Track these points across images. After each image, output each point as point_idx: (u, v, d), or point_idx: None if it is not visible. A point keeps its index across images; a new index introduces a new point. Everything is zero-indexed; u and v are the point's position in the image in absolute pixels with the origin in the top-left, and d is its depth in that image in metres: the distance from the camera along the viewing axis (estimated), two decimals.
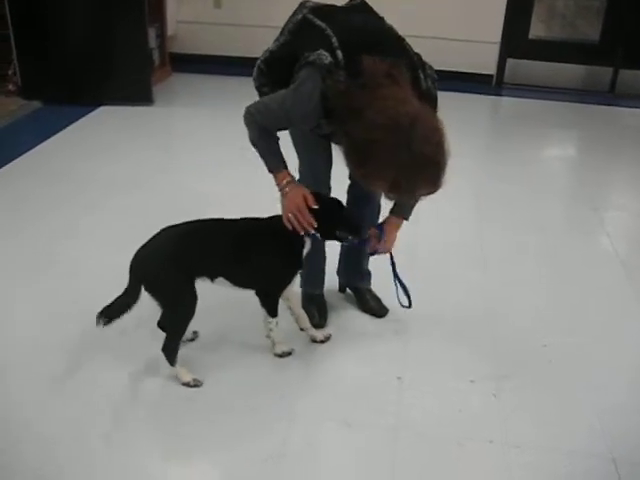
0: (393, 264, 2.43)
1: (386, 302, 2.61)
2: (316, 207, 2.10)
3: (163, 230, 2.16)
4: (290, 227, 2.11)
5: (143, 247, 2.14)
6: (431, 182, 1.86)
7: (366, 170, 1.86)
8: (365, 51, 1.90)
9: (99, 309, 2.08)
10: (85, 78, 4.76)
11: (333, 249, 2.51)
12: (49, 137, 4.21)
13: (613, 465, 1.94)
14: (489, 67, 5.77)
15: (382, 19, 2.12)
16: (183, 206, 3.37)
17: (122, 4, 4.63)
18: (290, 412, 2.10)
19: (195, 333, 2.37)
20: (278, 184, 2.13)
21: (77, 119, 4.54)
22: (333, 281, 2.66)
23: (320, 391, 2.20)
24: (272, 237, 2.18)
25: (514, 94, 5.70)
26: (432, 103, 2.03)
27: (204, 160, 3.99)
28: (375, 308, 2.60)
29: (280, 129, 2.12)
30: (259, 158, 2.12)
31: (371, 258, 2.56)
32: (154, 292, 2.10)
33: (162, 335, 2.21)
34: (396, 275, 2.45)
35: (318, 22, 2.02)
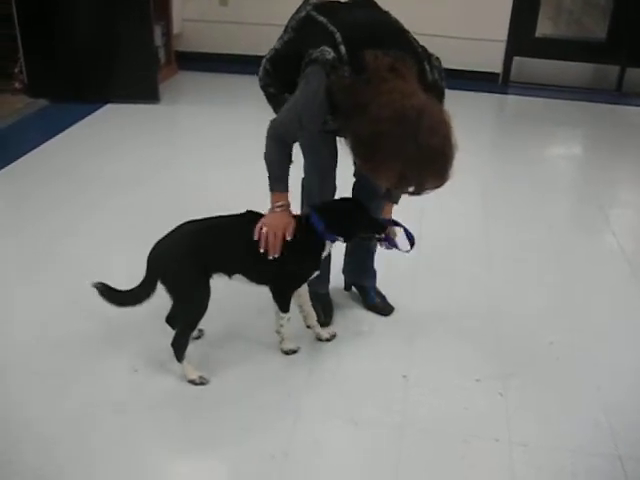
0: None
1: (391, 300, 2.61)
2: (287, 239, 2.09)
3: (182, 224, 2.16)
4: (256, 237, 2.08)
5: (161, 240, 2.14)
6: (438, 174, 1.86)
7: (374, 164, 1.86)
8: (368, 46, 1.90)
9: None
10: (91, 76, 4.78)
11: (338, 248, 2.50)
12: (55, 135, 4.22)
13: (619, 463, 1.93)
14: (495, 65, 5.76)
15: (387, 13, 2.11)
16: (188, 204, 3.37)
17: (128, 2, 4.65)
18: (296, 410, 2.10)
19: (201, 331, 2.37)
20: (273, 202, 2.12)
21: (83, 117, 4.55)
22: (338, 279, 2.66)
23: (326, 389, 2.20)
24: (292, 236, 2.17)
25: (520, 92, 5.69)
26: (439, 95, 2.03)
27: (209, 158, 3.99)
28: (380, 306, 2.60)
29: (296, 139, 2.11)
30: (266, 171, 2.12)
31: (375, 255, 2.57)
32: (169, 286, 2.10)
33: (166, 332, 2.21)
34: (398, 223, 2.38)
35: (321, 18, 2.02)
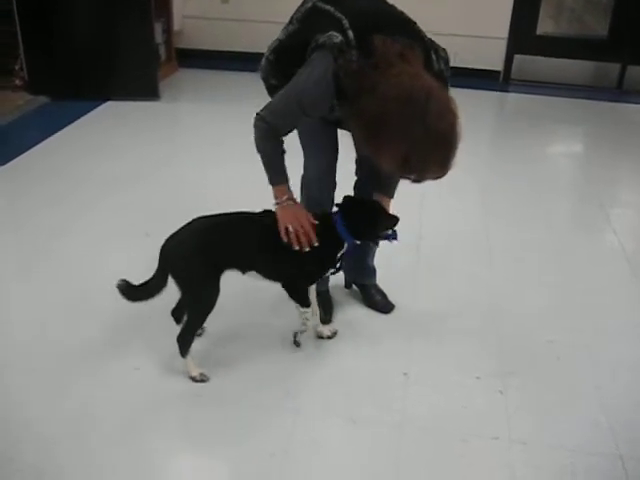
0: None
1: (392, 298, 2.61)
2: (316, 222, 2.09)
3: (195, 220, 2.15)
4: (285, 239, 2.08)
5: (174, 235, 2.13)
6: (441, 162, 1.84)
7: (378, 143, 1.84)
8: (376, 32, 1.89)
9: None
10: (91, 73, 4.77)
11: None
12: (55, 132, 4.22)
13: (619, 462, 1.93)
14: (496, 63, 5.76)
15: (392, 5, 2.11)
16: (188, 202, 3.38)
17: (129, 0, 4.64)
18: (296, 408, 2.10)
19: (203, 328, 2.37)
20: (277, 197, 2.10)
21: (83, 114, 4.55)
22: (339, 277, 2.65)
23: (326, 387, 2.20)
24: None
25: (521, 90, 5.69)
26: (444, 85, 2.01)
27: (209, 155, 3.99)
28: (381, 304, 2.60)
29: (291, 128, 2.08)
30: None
31: (375, 253, 2.57)
32: (179, 281, 2.11)
33: (167, 330, 2.21)
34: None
35: (327, 7, 2.01)
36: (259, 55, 2.24)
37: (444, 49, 2.09)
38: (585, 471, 1.92)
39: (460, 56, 5.46)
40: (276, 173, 2.10)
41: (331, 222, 2.17)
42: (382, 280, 2.64)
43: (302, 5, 2.13)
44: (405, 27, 2.03)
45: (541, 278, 2.90)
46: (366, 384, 2.23)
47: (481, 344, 2.44)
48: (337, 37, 1.91)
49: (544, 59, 5.76)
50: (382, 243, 2.40)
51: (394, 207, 2.34)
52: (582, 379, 2.29)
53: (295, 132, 2.25)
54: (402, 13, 2.08)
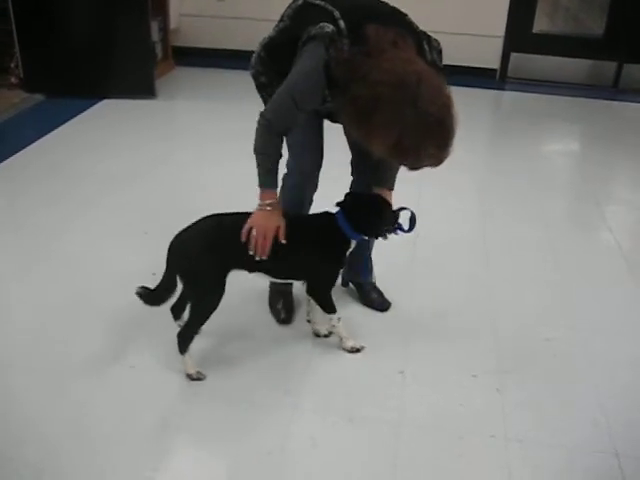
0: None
1: (388, 296, 2.61)
2: (284, 242, 2.07)
3: (204, 218, 2.15)
4: (244, 238, 2.06)
5: (182, 232, 2.12)
6: (437, 145, 1.83)
7: (369, 128, 1.83)
8: (368, 21, 1.90)
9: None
10: (88, 71, 4.75)
11: None
12: (51, 130, 4.21)
13: (616, 460, 1.94)
14: (493, 61, 5.75)
15: (384, 1, 2.12)
16: (185, 200, 3.37)
17: None
18: (293, 406, 2.10)
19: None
20: (261, 199, 2.09)
21: (79, 112, 4.54)
22: None
23: (322, 385, 2.20)
24: (318, 235, 2.18)
25: (517, 88, 5.69)
26: (439, 74, 2.02)
27: (206, 154, 3.99)
28: (378, 302, 2.60)
29: (290, 124, 2.07)
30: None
31: (372, 251, 2.57)
32: (185, 279, 2.11)
33: (164, 328, 2.21)
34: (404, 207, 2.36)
35: (318, 1, 2.01)
36: None
37: (436, 39, 2.09)
38: (582, 470, 1.93)
39: (456, 54, 5.50)
40: (267, 176, 2.09)
41: (335, 222, 2.17)
42: (379, 279, 2.64)
43: (293, 2, 2.14)
44: (397, 18, 2.04)
45: (538, 276, 2.91)
46: (363, 382, 2.23)
47: (478, 342, 2.44)
48: (328, 27, 1.91)
49: (540, 57, 5.76)
50: (377, 242, 2.40)
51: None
52: (579, 377, 2.30)
53: None
54: (394, 7, 2.09)
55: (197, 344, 2.29)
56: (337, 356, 2.33)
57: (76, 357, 2.28)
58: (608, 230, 3.33)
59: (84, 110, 4.58)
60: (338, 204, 2.22)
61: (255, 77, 2.23)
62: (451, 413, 2.11)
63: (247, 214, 2.13)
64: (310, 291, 2.26)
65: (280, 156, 2.09)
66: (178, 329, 2.19)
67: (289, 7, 2.13)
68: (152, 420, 2.04)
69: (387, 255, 2.55)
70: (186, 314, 2.23)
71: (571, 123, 5.15)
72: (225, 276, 2.10)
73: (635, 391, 2.26)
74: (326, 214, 2.20)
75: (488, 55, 5.72)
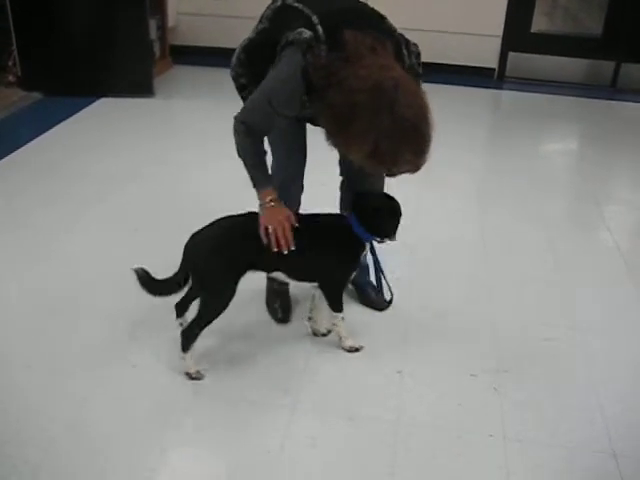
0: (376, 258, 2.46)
1: (386, 296, 2.61)
2: (297, 226, 2.08)
3: (220, 219, 2.15)
4: (264, 239, 2.06)
5: (198, 232, 2.13)
6: (414, 151, 1.83)
7: (347, 135, 1.83)
8: (347, 27, 1.89)
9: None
10: (86, 69, 4.75)
11: None
12: (49, 129, 4.20)
13: (614, 460, 1.94)
14: (491, 61, 5.75)
15: (364, 3, 2.11)
16: (183, 199, 3.37)
17: None
18: (292, 405, 2.10)
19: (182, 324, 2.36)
20: (261, 199, 2.09)
21: (77, 111, 4.53)
22: None
23: (321, 385, 2.20)
24: (333, 236, 2.18)
25: (516, 88, 5.69)
26: (416, 79, 2.00)
27: (204, 153, 3.98)
28: (375, 302, 2.59)
29: (268, 128, 2.08)
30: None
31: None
32: (197, 278, 2.11)
33: (164, 328, 2.21)
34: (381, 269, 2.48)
35: (297, 4, 2.01)
36: None
37: (415, 44, 2.08)
38: (581, 470, 1.93)
39: (455, 53, 5.51)
40: (259, 177, 2.10)
41: (348, 224, 2.17)
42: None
43: (272, 3, 2.14)
44: (376, 22, 2.03)
45: (537, 276, 2.90)
46: (361, 382, 2.23)
47: (477, 342, 2.44)
48: (306, 33, 1.91)
49: (539, 57, 5.76)
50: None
51: None
52: (578, 378, 2.30)
53: None
54: (373, 9, 2.08)
55: (197, 343, 2.29)
56: (336, 355, 2.33)
57: (76, 356, 2.28)
58: (607, 230, 3.33)
59: (82, 108, 4.58)
60: (350, 207, 2.22)
61: (235, 79, 2.23)
62: (450, 412, 2.11)
63: (255, 214, 2.14)
64: (326, 289, 2.27)
65: (265, 153, 2.10)
66: (179, 327, 2.20)
67: (268, 8, 2.14)
68: (151, 419, 2.04)
69: (386, 255, 2.55)
70: (188, 314, 2.23)
71: (569, 123, 5.15)
72: (238, 278, 2.10)
73: (634, 391, 2.26)
74: (340, 216, 2.20)
75: (486, 54, 5.72)
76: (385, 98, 1.77)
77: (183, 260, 2.13)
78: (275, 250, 2.06)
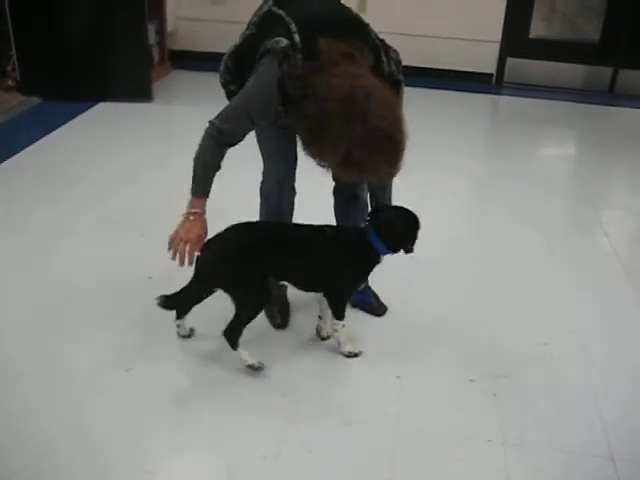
0: None
1: (385, 301, 2.61)
2: (197, 254, 2.08)
3: (232, 227, 2.17)
4: (169, 249, 2.08)
5: (212, 244, 2.13)
6: (387, 160, 1.83)
7: (320, 144, 1.83)
8: (324, 34, 1.90)
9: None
10: (84, 74, 4.76)
11: None
12: (48, 133, 4.20)
13: (613, 465, 1.94)
14: (489, 66, 5.76)
15: (347, 8, 2.12)
16: (182, 203, 3.36)
17: (122, 0, 4.63)
18: (289, 410, 2.09)
19: (192, 330, 2.36)
20: (188, 208, 2.10)
21: (76, 115, 4.53)
22: None
23: (319, 389, 2.20)
24: (349, 250, 2.19)
25: (514, 93, 5.70)
26: (396, 86, 2.02)
27: None
28: (374, 306, 2.59)
29: (241, 136, 2.08)
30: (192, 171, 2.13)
31: None
32: (226, 289, 2.12)
33: (159, 330, 2.20)
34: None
35: (280, 12, 2.02)
36: None
37: (395, 50, 2.08)
38: (579, 474, 1.92)
39: (453, 59, 5.52)
40: (198, 187, 2.11)
41: (366, 238, 2.17)
42: (375, 283, 2.63)
43: (259, 9, 2.15)
44: (355, 29, 2.03)
45: (536, 281, 2.91)
46: (359, 386, 2.23)
47: (475, 347, 2.44)
48: (283, 42, 1.91)
49: (537, 62, 5.77)
50: None
51: None
52: (577, 382, 2.29)
53: (254, 138, 2.25)
54: (356, 16, 2.08)
55: (192, 346, 2.29)
56: (334, 360, 2.32)
57: (72, 360, 2.27)
58: (605, 235, 3.33)
59: (81, 113, 4.58)
60: (368, 220, 2.22)
61: (224, 85, 2.24)
62: (449, 417, 2.10)
63: (273, 224, 2.17)
64: (331, 297, 2.27)
65: (218, 168, 2.09)
66: (177, 329, 2.23)
67: (255, 14, 2.15)
68: (147, 423, 2.03)
69: (383, 260, 2.54)
70: (187, 319, 2.22)
71: (567, 128, 5.16)
72: (265, 279, 2.13)
73: (633, 396, 2.26)
74: (356, 229, 2.21)
75: (485, 60, 5.73)
76: (356, 107, 1.77)
77: (203, 272, 2.13)
78: (174, 260, 2.06)
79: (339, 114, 1.77)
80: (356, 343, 2.36)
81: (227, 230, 2.16)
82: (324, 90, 1.80)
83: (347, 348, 2.33)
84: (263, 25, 2.08)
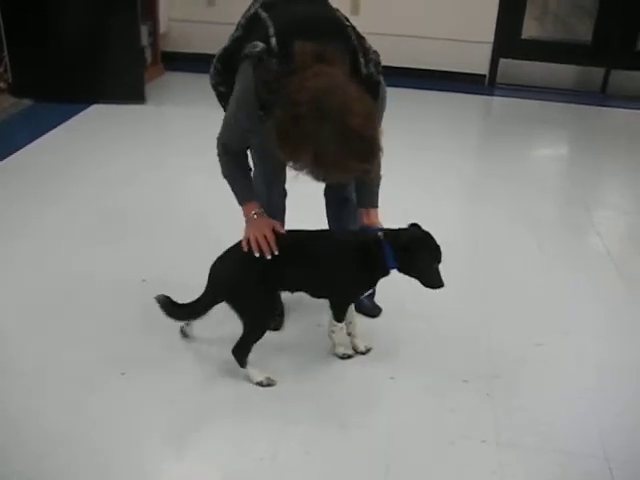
0: None
1: (379, 302, 2.61)
2: (283, 232, 2.10)
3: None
4: (246, 248, 2.09)
5: (224, 258, 2.15)
6: (359, 160, 1.81)
7: (291, 146, 1.83)
8: (300, 37, 1.89)
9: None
10: (77, 76, 4.74)
11: None
12: (40, 136, 4.18)
13: (607, 465, 1.94)
14: (482, 67, 5.78)
15: (333, 10, 2.11)
16: (176, 204, 3.37)
17: (114, 2, 4.62)
18: (284, 412, 2.09)
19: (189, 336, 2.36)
20: (247, 213, 2.15)
21: (69, 117, 4.52)
22: None
23: (313, 391, 2.19)
24: (361, 260, 2.17)
25: (506, 94, 5.71)
26: (374, 88, 2.00)
27: (196, 159, 3.95)
28: (368, 307, 2.59)
29: (241, 143, 2.12)
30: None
31: None
32: (233, 305, 2.12)
33: (153, 334, 2.20)
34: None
35: (264, 14, 2.02)
36: None
37: (375, 51, 2.07)
38: (574, 474, 1.93)
39: (446, 60, 5.53)
40: (242, 192, 2.17)
41: (381, 251, 2.15)
42: None
43: (247, 11, 2.15)
44: (335, 31, 2.02)
45: (529, 281, 2.91)
46: (354, 388, 2.23)
47: (468, 347, 2.45)
48: (258, 46, 1.92)
49: (529, 63, 5.79)
50: None
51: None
52: (571, 382, 2.30)
53: None
54: (339, 18, 2.07)
55: (189, 349, 2.28)
56: (328, 361, 2.33)
57: (66, 363, 2.26)
58: (597, 235, 3.35)
59: (73, 115, 4.56)
60: (386, 235, 2.18)
61: (215, 87, 2.25)
62: (442, 418, 2.11)
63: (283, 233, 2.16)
64: (334, 304, 2.27)
65: (249, 171, 2.16)
66: (182, 328, 2.24)
67: (243, 16, 2.15)
68: (141, 427, 2.03)
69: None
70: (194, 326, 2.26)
71: (560, 128, 5.18)
72: (273, 296, 2.15)
73: (627, 395, 2.27)
74: (374, 240, 2.17)
75: (477, 61, 5.74)
76: (324, 106, 1.76)
77: (211, 285, 2.14)
78: (256, 254, 2.07)
79: (308, 116, 1.76)
80: (350, 344, 2.37)
81: (239, 243, 2.15)
82: (294, 93, 1.79)
83: (341, 350, 2.33)
84: (249, 27, 2.09)
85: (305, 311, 2.51)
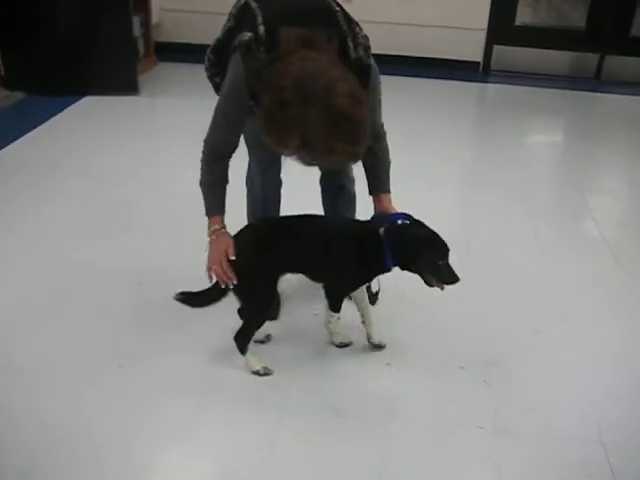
0: None
1: (375, 289, 2.61)
2: (233, 259, 2.07)
3: (246, 227, 2.17)
4: (209, 280, 2.10)
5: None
6: (346, 141, 1.79)
7: (278, 132, 1.81)
8: (287, 23, 1.88)
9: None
10: (69, 68, 4.71)
11: None
12: (33, 128, 4.16)
13: (603, 451, 1.95)
14: (476, 54, 5.77)
15: None
16: (171, 197, 3.36)
17: None
18: (281, 401, 2.10)
19: (268, 336, 2.36)
20: (209, 227, 2.14)
21: (61, 110, 4.50)
22: None
23: (310, 380, 2.20)
24: (364, 250, 2.15)
25: (501, 81, 5.72)
26: (363, 71, 1.98)
27: (189, 151, 3.92)
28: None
29: (230, 142, 2.10)
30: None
31: None
32: (235, 290, 2.11)
33: (149, 327, 2.20)
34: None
35: (254, 4, 2.01)
36: None
37: (365, 35, 2.04)
38: (570, 460, 1.93)
39: (440, 47, 5.51)
40: (212, 205, 2.15)
41: (381, 246, 2.12)
42: None
43: (238, 1, 2.13)
44: (323, 16, 2.00)
45: (525, 267, 2.92)
46: (350, 376, 2.23)
47: (465, 334, 2.45)
48: (246, 35, 1.92)
49: (523, 50, 5.79)
50: None
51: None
52: (567, 369, 2.31)
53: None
54: (326, 3, 2.04)
55: (186, 341, 2.28)
56: (325, 350, 2.33)
57: (64, 357, 2.26)
58: (593, 220, 3.35)
59: (66, 107, 4.54)
60: (386, 231, 2.15)
61: (211, 79, 2.24)
62: (439, 405, 2.11)
63: (286, 217, 2.16)
64: (329, 292, 2.26)
65: (225, 183, 2.14)
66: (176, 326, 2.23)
67: (234, 6, 2.13)
68: (139, 418, 2.03)
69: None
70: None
71: (554, 114, 5.18)
72: (275, 282, 2.13)
73: (622, 382, 2.28)
74: (373, 234, 2.14)
75: (471, 48, 5.73)
76: (308, 89, 1.74)
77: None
78: (223, 287, 2.08)
79: (293, 100, 1.75)
80: (346, 332, 2.37)
81: (243, 230, 2.16)
82: (279, 78, 1.79)
83: (338, 338, 2.33)
84: (239, 17, 2.07)
85: (301, 299, 2.51)
